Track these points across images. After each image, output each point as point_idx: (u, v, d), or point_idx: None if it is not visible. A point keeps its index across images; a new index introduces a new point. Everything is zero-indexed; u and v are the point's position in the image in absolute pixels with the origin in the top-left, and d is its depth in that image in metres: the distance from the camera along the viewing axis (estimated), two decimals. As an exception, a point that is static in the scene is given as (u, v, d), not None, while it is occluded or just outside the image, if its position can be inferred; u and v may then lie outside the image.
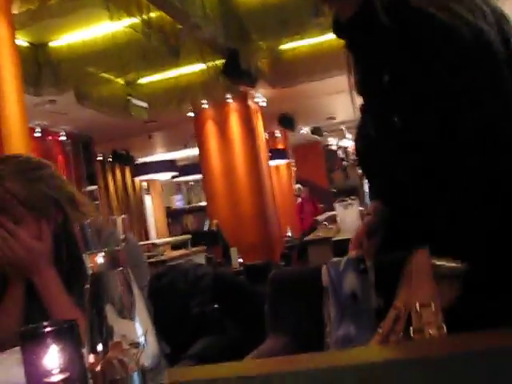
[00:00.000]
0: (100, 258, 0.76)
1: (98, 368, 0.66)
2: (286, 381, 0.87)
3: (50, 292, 1.40)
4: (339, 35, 1.34)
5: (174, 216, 15.68)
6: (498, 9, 1.14)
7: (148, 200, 14.45)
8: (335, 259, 1.35)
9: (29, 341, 0.71)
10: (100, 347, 0.73)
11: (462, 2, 1.08)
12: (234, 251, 6.94)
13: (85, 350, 0.74)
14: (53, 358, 0.70)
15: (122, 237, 0.79)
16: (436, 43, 1.11)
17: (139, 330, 0.76)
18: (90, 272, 0.77)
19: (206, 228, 9.55)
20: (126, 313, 0.77)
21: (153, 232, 13.83)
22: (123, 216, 0.76)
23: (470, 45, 1.07)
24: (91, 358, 0.69)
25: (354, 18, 1.25)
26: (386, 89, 1.20)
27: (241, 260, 6.93)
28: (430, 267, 1.07)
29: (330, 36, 6.61)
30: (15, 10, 4.66)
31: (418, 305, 1.03)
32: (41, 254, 1.41)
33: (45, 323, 0.72)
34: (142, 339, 0.76)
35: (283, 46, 7.15)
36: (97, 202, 10.47)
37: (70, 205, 1.45)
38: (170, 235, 13.19)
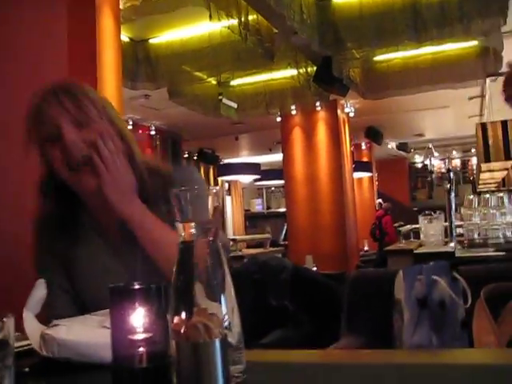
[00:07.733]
0: (193, 228, 0.77)
1: (182, 330, 0.67)
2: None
3: (149, 220, 1.28)
4: None
5: (251, 219, 15.81)
6: None
7: (228, 201, 14.67)
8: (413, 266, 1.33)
9: (118, 297, 0.74)
10: (184, 313, 0.74)
11: None
12: (309, 258, 6.92)
13: (168, 316, 0.75)
14: (138, 316, 0.72)
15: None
16: None
17: (225, 307, 0.77)
18: (181, 240, 0.78)
19: (283, 234, 9.54)
20: (214, 288, 0.77)
21: (230, 232, 14.01)
22: (218, 188, 0.77)
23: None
24: (176, 320, 0.70)
25: None
26: None
27: (315, 268, 6.90)
28: None
29: (424, 50, 6.51)
30: (120, 6, 4.84)
31: None
32: (133, 180, 1.32)
33: (134, 282, 0.74)
34: (226, 316, 0.76)
35: (377, 57, 7.05)
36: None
37: None
38: (247, 238, 13.33)
